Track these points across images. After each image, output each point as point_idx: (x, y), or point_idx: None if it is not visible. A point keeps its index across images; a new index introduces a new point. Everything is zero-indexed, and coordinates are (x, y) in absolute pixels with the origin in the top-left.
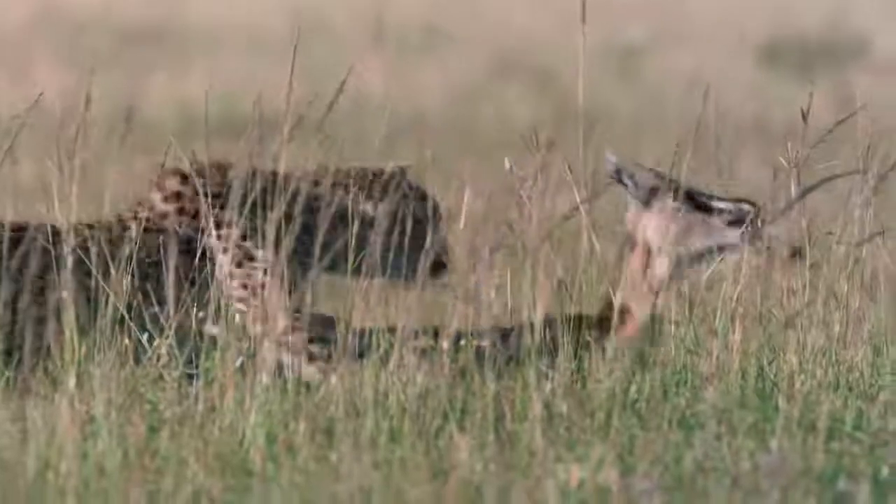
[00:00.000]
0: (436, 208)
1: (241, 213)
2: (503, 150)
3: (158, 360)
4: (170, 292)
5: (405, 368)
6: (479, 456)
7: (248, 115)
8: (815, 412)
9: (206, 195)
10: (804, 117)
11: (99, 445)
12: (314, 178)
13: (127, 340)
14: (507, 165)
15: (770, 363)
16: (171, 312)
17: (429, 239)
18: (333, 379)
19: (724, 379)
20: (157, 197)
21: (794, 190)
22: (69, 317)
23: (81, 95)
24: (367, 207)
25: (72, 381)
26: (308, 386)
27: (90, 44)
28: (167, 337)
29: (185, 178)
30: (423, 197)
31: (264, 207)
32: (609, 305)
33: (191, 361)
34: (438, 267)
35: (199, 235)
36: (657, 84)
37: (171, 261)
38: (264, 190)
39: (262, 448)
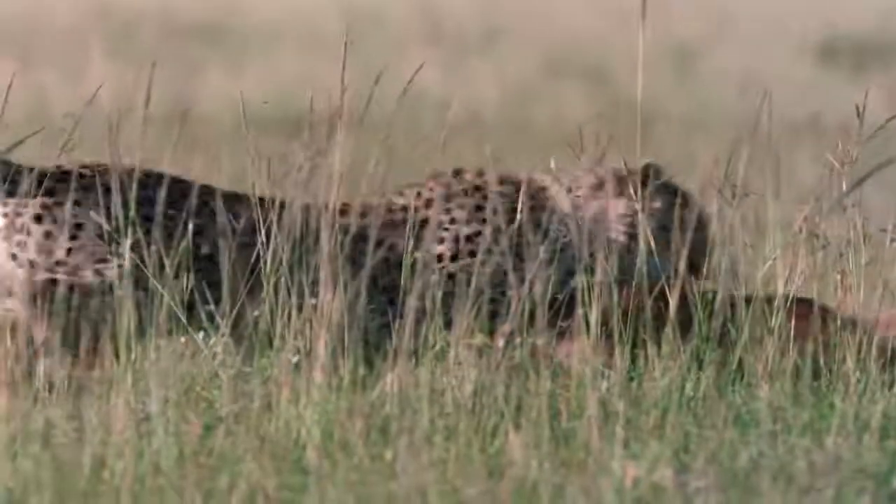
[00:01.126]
0: (698, 208)
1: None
2: (559, 148)
3: (214, 357)
4: (225, 287)
5: (461, 366)
6: (534, 454)
7: (303, 114)
8: (869, 411)
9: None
10: (859, 115)
11: (154, 444)
12: (570, 184)
13: (183, 339)
14: (552, 165)
15: (826, 361)
16: (227, 309)
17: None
18: (389, 378)
19: (780, 377)
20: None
21: (845, 187)
22: (125, 315)
23: (136, 92)
24: (620, 207)
25: (128, 380)
26: (364, 384)
27: (144, 41)
28: (223, 335)
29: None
30: (678, 194)
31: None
32: None
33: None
34: (692, 269)
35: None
36: (711, 83)
37: (226, 255)
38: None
39: (318, 446)
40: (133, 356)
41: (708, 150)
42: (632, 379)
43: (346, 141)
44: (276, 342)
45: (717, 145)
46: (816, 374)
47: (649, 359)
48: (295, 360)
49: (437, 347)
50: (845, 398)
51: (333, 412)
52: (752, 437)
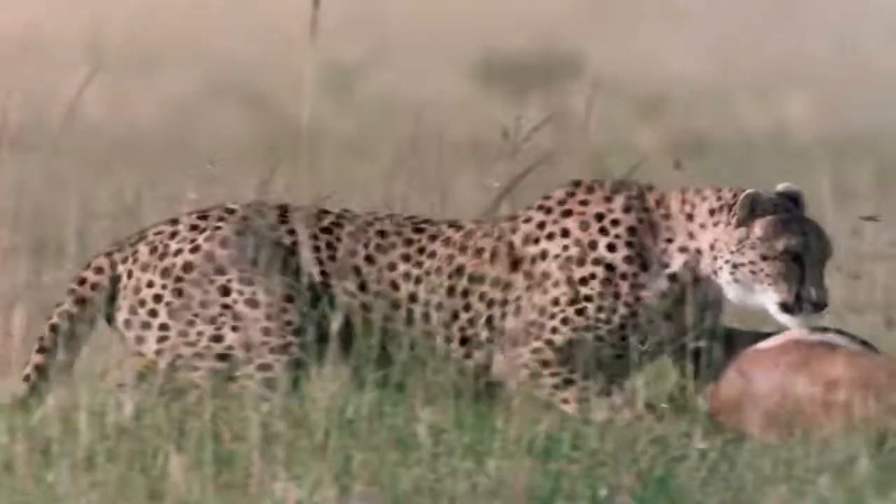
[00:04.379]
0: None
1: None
2: (216, 170)
3: None
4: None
5: (122, 388)
6: (196, 476)
7: None
8: (532, 432)
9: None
10: (507, 136)
11: None
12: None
13: None
14: (191, 196)
15: (488, 382)
16: None
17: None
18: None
19: (441, 398)
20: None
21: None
22: None
23: None
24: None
25: None
26: (25, 405)
27: None
28: None
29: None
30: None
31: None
32: None
33: None
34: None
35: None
36: (372, 105)
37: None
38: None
39: None
40: None
41: (367, 172)
42: (294, 400)
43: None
44: None
45: (377, 167)
46: (478, 396)
47: (311, 380)
48: None
49: (100, 370)
50: (508, 420)
51: None
52: (414, 459)
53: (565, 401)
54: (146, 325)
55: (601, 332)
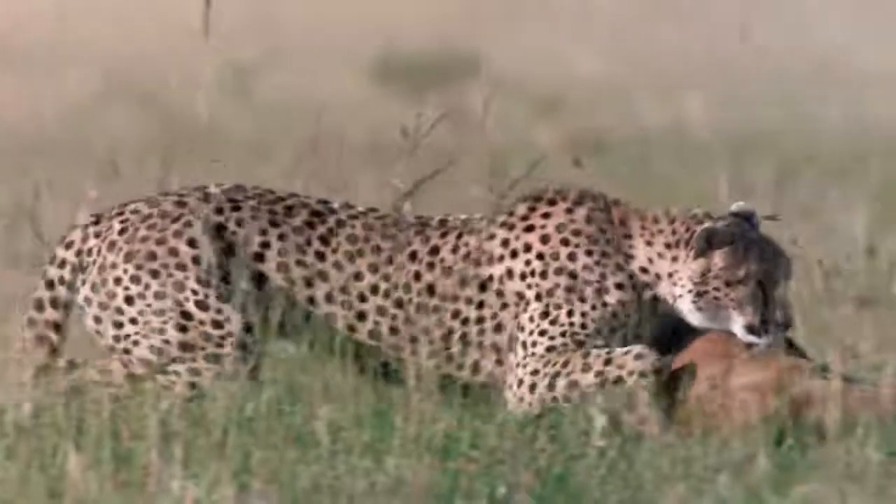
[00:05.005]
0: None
1: None
2: (112, 170)
3: None
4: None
5: (21, 386)
6: (94, 474)
7: None
8: (431, 430)
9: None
10: (405, 134)
11: None
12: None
13: None
14: (92, 195)
15: (387, 381)
16: None
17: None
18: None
19: (340, 397)
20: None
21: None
22: None
23: None
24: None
25: None
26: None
27: None
28: None
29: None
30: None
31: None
32: None
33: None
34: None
35: None
36: (270, 103)
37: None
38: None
39: None
40: None
41: (267, 172)
42: (191, 399)
43: None
44: None
45: (277, 167)
46: (378, 395)
47: (211, 380)
48: None
49: None
50: (407, 418)
51: None
52: (312, 457)
53: (566, 398)
54: (104, 306)
55: (579, 336)
